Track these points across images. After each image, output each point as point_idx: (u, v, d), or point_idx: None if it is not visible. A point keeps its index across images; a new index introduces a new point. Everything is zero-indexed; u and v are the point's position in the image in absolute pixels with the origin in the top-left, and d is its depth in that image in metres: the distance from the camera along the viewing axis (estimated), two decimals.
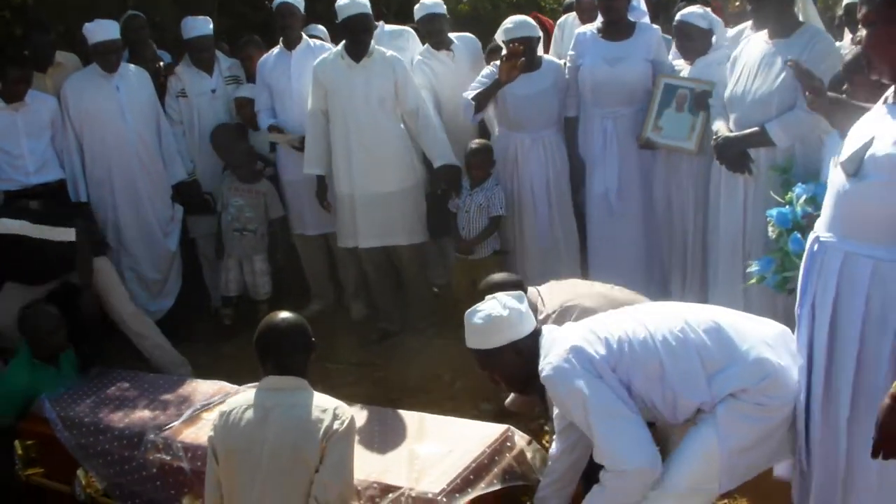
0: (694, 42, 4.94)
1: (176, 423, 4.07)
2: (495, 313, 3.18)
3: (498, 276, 4.09)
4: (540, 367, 3.11)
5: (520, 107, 5.29)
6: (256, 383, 3.19)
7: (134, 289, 5.84)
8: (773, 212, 4.04)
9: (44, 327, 4.58)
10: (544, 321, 3.66)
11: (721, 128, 4.48)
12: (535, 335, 3.22)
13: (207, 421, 3.98)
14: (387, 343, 5.69)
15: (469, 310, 3.26)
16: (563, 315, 3.68)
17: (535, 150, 5.32)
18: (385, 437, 3.80)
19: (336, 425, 3.01)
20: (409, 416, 4.00)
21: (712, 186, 4.70)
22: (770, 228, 4.06)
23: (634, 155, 5.15)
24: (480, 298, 3.39)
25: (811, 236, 2.96)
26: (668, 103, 4.92)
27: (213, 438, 3.15)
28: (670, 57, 5.22)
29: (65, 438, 4.18)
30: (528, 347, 3.19)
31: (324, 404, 3.07)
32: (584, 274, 5.50)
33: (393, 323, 5.78)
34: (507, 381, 3.38)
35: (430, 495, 3.27)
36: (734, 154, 4.37)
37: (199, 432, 3.96)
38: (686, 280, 5.08)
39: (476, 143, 5.45)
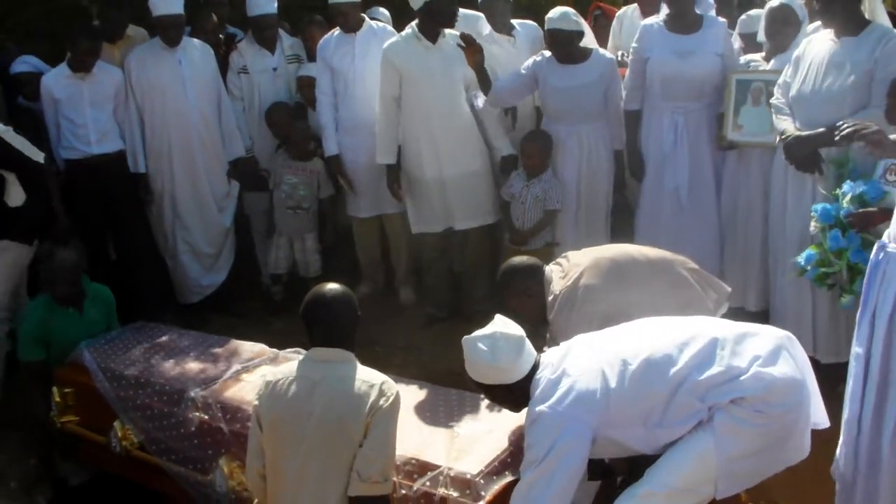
0: (788, 27, 4.83)
1: (217, 383, 4.06)
2: (484, 357, 3.16)
3: (515, 261, 4.00)
4: (533, 402, 3.09)
5: (560, 98, 5.26)
6: (297, 349, 3.19)
7: (187, 261, 5.95)
8: (818, 207, 4.03)
9: (57, 272, 4.55)
10: (552, 303, 3.69)
11: (788, 127, 4.40)
12: (534, 369, 3.19)
13: (247, 382, 4.03)
14: (434, 328, 5.70)
15: (467, 338, 3.23)
16: (569, 298, 3.69)
17: (569, 143, 5.28)
18: (426, 413, 3.79)
19: (382, 401, 3.01)
20: (451, 394, 3.97)
21: (775, 187, 4.62)
22: (813, 224, 4.01)
23: (706, 150, 5.09)
24: (502, 285, 3.51)
25: (876, 244, 2.90)
26: (744, 99, 4.84)
27: (258, 407, 3.15)
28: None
29: (105, 389, 4.19)
30: (521, 386, 3.17)
31: (371, 378, 3.08)
32: None
33: (441, 309, 5.80)
34: (498, 403, 3.41)
35: (467, 476, 3.26)
36: (804, 154, 4.29)
37: (239, 393, 3.97)
38: (748, 279, 5.00)
39: (532, 131, 5.44)
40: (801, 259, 4.13)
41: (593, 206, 5.35)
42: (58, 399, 4.36)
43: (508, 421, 3.57)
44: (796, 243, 4.45)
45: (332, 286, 3.23)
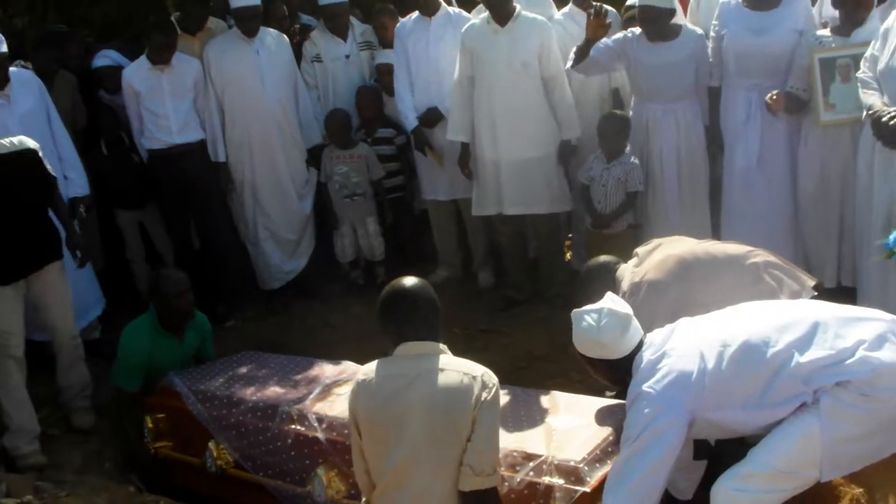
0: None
1: (310, 397, 4.09)
2: (589, 331, 3.23)
3: (594, 264, 4.05)
4: (635, 382, 3.10)
5: (651, 77, 5.21)
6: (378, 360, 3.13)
7: (269, 248, 6.03)
8: None
9: (170, 291, 4.53)
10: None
11: (875, 102, 4.30)
12: (636, 349, 3.21)
13: (339, 395, 4.05)
14: (513, 311, 5.71)
15: (576, 311, 3.30)
16: (634, 292, 3.71)
17: (667, 122, 5.24)
18: (519, 412, 3.77)
19: (485, 393, 2.94)
20: (542, 394, 3.98)
21: (861, 164, 4.53)
22: None
23: (780, 128, 4.99)
24: (582, 284, 3.54)
25: None
26: (832, 78, 4.72)
27: (353, 408, 3.06)
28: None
29: (198, 411, 4.23)
30: (624, 363, 3.22)
31: (471, 370, 3.00)
32: None
33: (520, 292, 5.80)
34: (600, 377, 3.46)
35: (572, 463, 3.26)
36: (892, 130, 4.19)
37: (332, 404, 4.00)
38: (840, 259, 4.92)
39: (610, 113, 5.41)
40: (889, 240, 4.03)
41: (693, 184, 5.31)
42: (150, 426, 4.43)
43: (601, 416, 3.60)
44: (882, 221, 4.36)
45: (409, 279, 3.13)
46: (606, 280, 3.86)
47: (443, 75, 5.70)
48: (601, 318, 3.22)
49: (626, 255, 5.38)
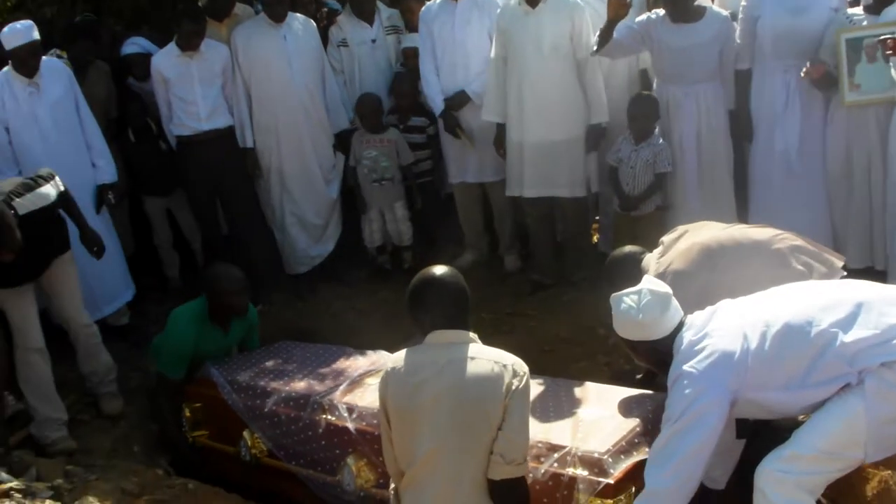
0: None
1: (341, 386, 4.12)
2: (630, 312, 3.20)
3: (619, 254, 4.01)
4: (676, 362, 3.08)
5: (675, 59, 5.15)
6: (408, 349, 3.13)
7: (296, 233, 6.05)
8: None
9: (227, 288, 4.52)
10: None
11: None
12: (677, 329, 3.19)
13: (370, 385, 4.07)
14: (540, 295, 5.69)
15: (615, 294, 3.27)
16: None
17: (687, 104, 5.17)
18: (546, 402, 3.77)
19: (516, 382, 2.91)
20: (569, 384, 3.98)
21: (893, 141, 4.45)
22: None
23: (818, 111, 4.93)
24: (607, 274, 3.58)
25: None
26: (858, 58, 4.64)
27: (383, 397, 3.04)
28: None
29: (233, 401, 4.29)
30: (665, 345, 3.18)
31: (501, 358, 2.97)
32: None
33: (546, 276, 5.77)
34: (643, 361, 3.46)
35: (595, 454, 3.26)
36: None
37: (363, 394, 4.04)
38: (872, 241, 4.85)
39: (639, 94, 5.37)
40: None
41: (715, 168, 5.24)
42: (188, 415, 4.49)
43: (628, 407, 3.59)
44: None
45: (439, 268, 3.11)
46: (632, 270, 3.80)
47: (469, 58, 5.68)
48: (641, 299, 3.19)
49: (654, 237, 5.33)
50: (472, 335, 3.04)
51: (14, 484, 3.66)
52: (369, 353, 4.52)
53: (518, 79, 5.38)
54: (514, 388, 2.88)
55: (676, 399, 3.01)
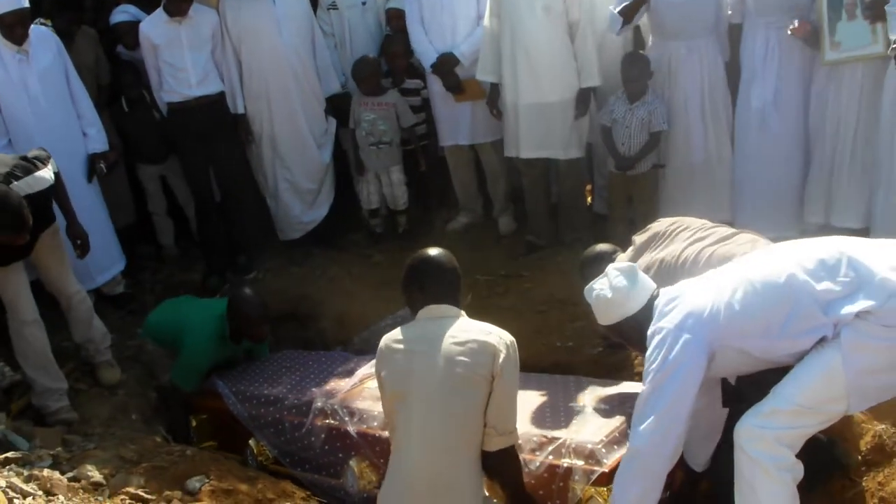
0: None
1: (342, 391, 4.21)
2: (602, 295, 3.28)
3: (591, 253, 4.04)
4: (652, 324, 3.14)
5: (675, 14, 5.11)
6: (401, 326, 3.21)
7: (289, 199, 6.03)
8: None
9: (252, 317, 4.57)
10: None
11: None
12: (651, 301, 3.23)
13: (371, 388, 4.14)
14: (534, 256, 5.69)
15: (586, 288, 3.38)
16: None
17: (691, 60, 5.16)
18: (540, 396, 3.89)
19: (503, 352, 3.03)
20: (562, 379, 4.09)
21: (886, 100, 4.42)
22: None
23: (795, 69, 4.91)
24: (580, 272, 3.70)
25: None
26: (838, 16, 4.62)
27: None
28: None
29: (238, 411, 4.36)
30: (645, 317, 3.21)
31: (489, 330, 3.10)
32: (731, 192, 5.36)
33: (541, 237, 5.77)
34: (631, 346, 3.49)
35: (589, 445, 3.37)
36: None
37: (363, 398, 4.13)
38: (840, 200, 4.84)
39: (632, 52, 5.33)
40: None
41: (717, 120, 5.24)
42: (194, 425, 4.53)
43: (620, 400, 3.69)
44: None
45: (433, 249, 3.30)
46: (604, 268, 3.84)
47: (456, 20, 5.64)
48: (607, 279, 3.29)
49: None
50: (461, 311, 3.18)
51: (10, 454, 3.68)
52: (368, 357, 4.54)
53: (511, 40, 5.34)
54: (501, 357, 3.00)
55: (654, 354, 3.07)
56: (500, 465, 3.09)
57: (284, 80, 5.81)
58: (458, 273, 3.24)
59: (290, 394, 4.32)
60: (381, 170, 6.06)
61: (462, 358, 3.01)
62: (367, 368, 4.37)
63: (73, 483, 3.48)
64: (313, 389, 4.31)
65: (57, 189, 4.41)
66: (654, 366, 3.05)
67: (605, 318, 3.34)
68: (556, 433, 3.52)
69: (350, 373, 4.40)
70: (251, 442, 4.24)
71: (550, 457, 3.44)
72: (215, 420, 4.49)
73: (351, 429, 3.96)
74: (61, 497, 3.29)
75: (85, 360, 4.91)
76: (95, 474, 3.59)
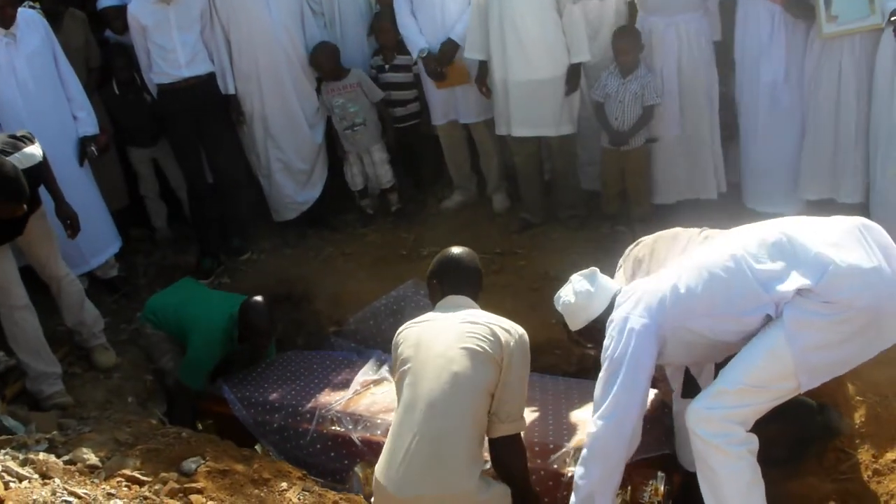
0: None
1: (347, 397, 4.28)
2: (566, 301, 3.46)
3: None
4: (609, 318, 3.27)
5: None
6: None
7: (282, 179, 6.01)
8: None
9: (261, 329, 4.65)
10: None
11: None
12: (614, 301, 3.35)
13: (375, 394, 4.28)
14: (528, 233, 5.69)
15: (554, 300, 3.55)
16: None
17: (668, 35, 5.16)
18: (544, 404, 3.97)
19: (512, 341, 3.20)
20: (567, 384, 4.17)
21: (880, 73, 4.41)
22: None
23: (802, 42, 4.87)
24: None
25: None
26: None
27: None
28: None
29: (243, 417, 4.41)
30: (608, 318, 3.31)
31: (499, 321, 3.28)
32: (734, 169, 5.34)
33: (535, 214, 5.77)
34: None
35: None
36: None
37: (368, 404, 4.21)
38: (841, 176, 4.83)
39: (623, 26, 5.32)
40: None
41: (695, 100, 5.23)
42: (201, 430, 4.52)
43: None
44: None
45: (458, 248, 3.60)
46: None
47: (445, 2, 5.60)
48: (569, 285, 3.48)
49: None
50: (476, 304, 3.43)
51: (5, 437, 3.68)
52: (372, 361, 4.66)
53: (499, 16, 5.30)
54: (512, 344, 3.18)
55: (607, 342, 3.19)
56: (505, 453, 3.20)
57: (275, 58, 5.77)
58: (478, 272, 3.55)
59: (294, 400, 4.39)
60: (362, 150, 6.02)
61: (471, 335, 3.19)
62: (369, 374, 4.49)
63: (68, 466, 3.49)
64: (317, 396, 4.39)
65: (44, 170, 4.39)
66: (608, 352, 3.16)
67: (573, 323, 3.48)
68: (560, 441, 3.61)
69: (354, 378, 4.49)
70: (257, 447, 4.26)
71: (555, 465, 3.55)
72: (221, 425, 4.51)
73: (355, 436, 4.05)
74: (57, 480, 3.29)
75: (78, 344, 4.91)
76: (91, 457, 3.59)
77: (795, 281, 2.88)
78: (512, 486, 3.22)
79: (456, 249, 3.58)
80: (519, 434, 3.22)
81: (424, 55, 5.66)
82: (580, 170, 5.85)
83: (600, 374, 3.17)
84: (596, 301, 3.38)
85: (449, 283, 3.47)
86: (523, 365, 3.23)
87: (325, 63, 5.82)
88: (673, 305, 3.09)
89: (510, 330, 3.24)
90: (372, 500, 3.34)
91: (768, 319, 2.98)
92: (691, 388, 3.39)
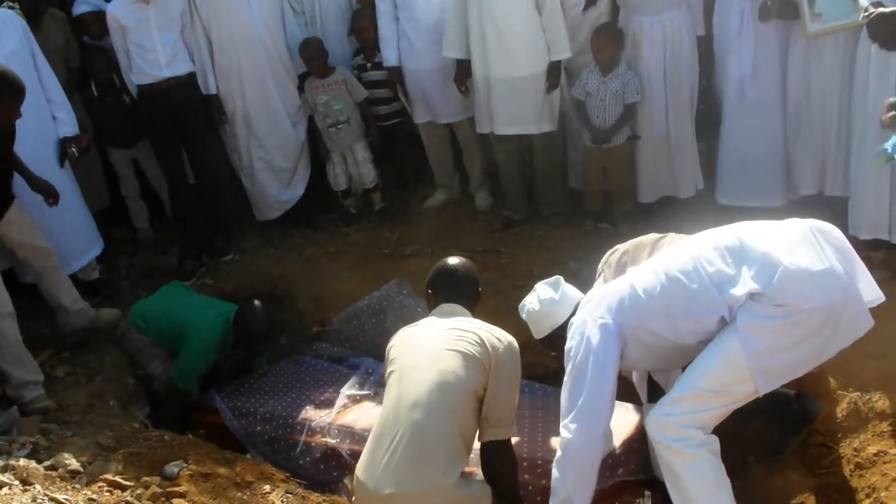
0: None
1: (334, 411, 4.31)
2: (531, 309, 3.52)
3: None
4: (571, 321, 3.33)
5: None
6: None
7: (265, 178, 5.99)
8: None
9: (257, 334, 4.71)
10: None
11: (871, 3, 4.16)
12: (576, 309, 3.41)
13: (365, 408, 4.32)
14: (511, 231, 5.70)
15: (519, 305, 3.61)
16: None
17: (653, 33, 5.15)
18: (535, 419, 4.01)
19: (501, 346, 3.25)
20: (553, 393, 4.12)
21: (859, 67, 4.42)
22: (889, 115, 3.79)
23: (772, 38, 4.87)
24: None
25: None
26: None
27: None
28: None
29: (234, 427, 4.41)
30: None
31: (494, 329, 3.34)
32: (710, 163, 5.35)
33: (518, 212, 5.77)
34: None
35: None
36: (890, 31, 4.05)
37: (356, 417, 4.23)
38: (828, 170, 4.84)
39: (603, 24, 5.32)
40: (887, 146, 3.94)
41: (680, 98, 5.23)
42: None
43: (618, 419, 3.70)
44: (878, 126, 4.24)
45: (455, 259, 3.70)
46: None
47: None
48: (534, 294, 3.53)
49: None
50: (469, 314, 3.51)
51: None
52: (362, 372, 4.67)
53: (478, 14, 5.29)
54: (500, 349, 3.23)
55: (569, 346, 3.22)
56: (495, 457, 3.24)
57: (256, 57, 5.74)
58: (474, 283, 3.62)
59: (285, 412, 4.41)
60: (345, 149, 6.01)
61: (459, 339, 3.25)
62: (358, 389, 4.52)
63: (49, 472, 3.47)
64: (308, 408, 4.41)
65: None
66: (570, 355, 3.19)
67: (537, 331, 3.53)
68: (548, 456, 3.60)
69: (345, 390, 4.50)
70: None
71: (543, 481, 3.55)
72: (213, 435, 4.49)
73: (344, 449, 4.06)
74: (38, 486, 3.28)
75: (68, 333, 4.92)
76: (73, 462, 3.58)
77: (747, 285, 2.92)
78: (500, 492, 3.25)
79: (452, 260, 3.67)
80: (509, 440, 3.27)
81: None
82: (570, 168, 5.86)
83: (565, 379, 3.19)
84: (560, 309, 3.44)
85: (443, 292, 3.55)
86: (512, 371, 3.27)
87: (317, 57, 5.80)
88: (632, 306, 3.14)
89: (499, 337, 3.29)
90: (353, 499, 3.35)
91: (724, 323, 3.01)
92: (658, 395, 3.41)
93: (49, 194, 4.67)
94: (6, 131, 4.36)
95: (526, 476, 3.58)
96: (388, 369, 3.35)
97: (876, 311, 3.10)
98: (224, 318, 4.70)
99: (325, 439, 4.18)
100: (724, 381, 3.00)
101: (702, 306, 3.03)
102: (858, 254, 3.15)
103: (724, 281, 2.98)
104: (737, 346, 2.94)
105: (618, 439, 3.68)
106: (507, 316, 3.87)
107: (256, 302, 4.79)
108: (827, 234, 3.06)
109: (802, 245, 2.98)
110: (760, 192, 5.10)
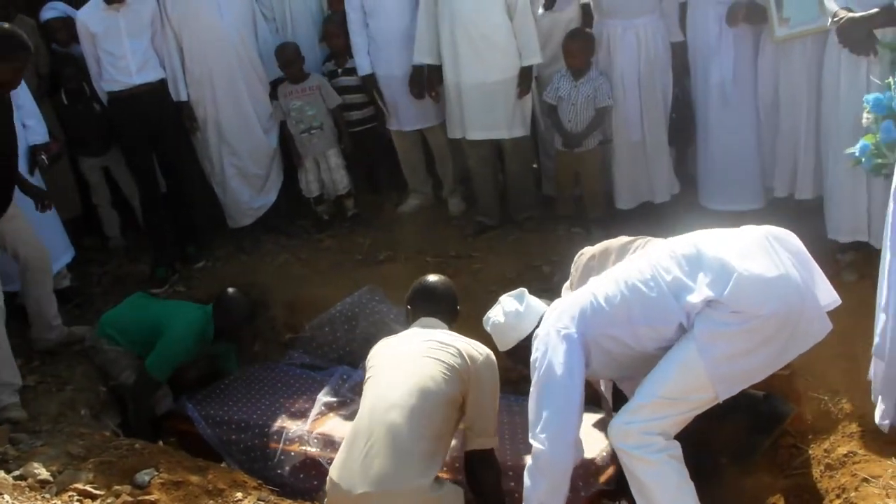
0: None
1: (310, 419, 4.31)
2: (496, 321, 3.53)
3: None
4: (535, 332, 3.35)
5: None
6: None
7: (237, 185, 5.96)
8: (871, 97, 3.77)
9: (236, 318, 4.74)
10: None
11: (839, 9, 4.19)
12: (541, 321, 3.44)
13: (341, 414, 4.31)
14: (484, 236, 5.70)
15: (484, 318, 3.63)
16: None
17: (627, 38, 5.17)
18: (512, 424, 4.02)
19: (479, 358, 3.36)
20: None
21: (827, 72, 4.45)
22: (865, 115, 3.83)
23: (750, 42, 4.91)
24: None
25: None
26: None
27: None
28: None
29: (208, 436, 4.38)
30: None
31: (472, 342, 3.44)
32: (685, 169, 5.39)
33: (491, 217, 5.77)
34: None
35: None
36: (859, 36, 4.08)
37: (333, 425, 4.23)
38: (798, 173, 4.87)
39: (575, 29, 5.34)
40: (855, 150, 3.98)
41: (654, 103, 5.25)
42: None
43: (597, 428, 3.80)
44: (850, 130, 4.29)
45: (434, 276, 3.84)
46: None
47: (401, 1, 5.60)
48: (498, 307, 3.55)
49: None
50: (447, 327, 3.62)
51: None
52: (336, 379, 4.66)
53: (450, 20, 5.30)
54: (478, 361, 3.35)
55: (533, 358, 3.25)
56: (479, 467, 3.38)
57: (228, 63, 5.72)
58: (452, 299, 3.76)
59: (261, 420, 4.39)
60: (318, 156, 5.99)
61: (438, 350, 3.34)
62: (332, 396, 4.49)
63: (18, 482, 3.44)
64: (283, 416, 4.39)
65: None
66: (535, 366, 3.21)
67: (503, 343, 3.54)
68: None
69: (321, 397, 4.48)
70: (223, 465, 4.22)
71: None
72: (185, 443, 4.46)
73: (322, 457, 4.04)
74: (7, 496, 3.25)
75: (40, 342, 4.91)
76: (42, 472, 3.55)
77: (702, 292, 2.94)
78: (485, 500, 3.33)
79: (431, 277, 3.79)
80: (492, 450, 3.38)
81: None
82: (544, 176, 5.88)
83: (532, 390, 3.20)
84: (525, 321, 3.45)
85: (422, 309, 3.66)
86: (492, 383, 3.36)
87: (294, 62, 5.79)
88: (594, 315, 3.17)
89: (478, 350, 3.39)
90: (325, 500, 3.34)
91: (683, 330, 3.04)
92: (623, 403, 3.41)
93: (40, 198, 4.65)
94: (5, 100, 4.36)
95: (511, 484, 3.56)
96: (367, 375, 3.39)
97: (845, 313, 3.13)
98: (203, 311, 4.70)
99: (303, 448, 4.15)
100: (684, 388, 3.02)
101: (660, 314, 3.06)
102: (826, 257, 3.18)
103: (680, 289, 3.01)
104: (694, 354, 2.97)
105: (595, 449, 3.68)
106: (480, 321, 3.86)
107: (231, 290, 4.80)
108: (782, 240, 3.09)
109: (758, 252, 3.00)
110: (741, 195, 5.13)
